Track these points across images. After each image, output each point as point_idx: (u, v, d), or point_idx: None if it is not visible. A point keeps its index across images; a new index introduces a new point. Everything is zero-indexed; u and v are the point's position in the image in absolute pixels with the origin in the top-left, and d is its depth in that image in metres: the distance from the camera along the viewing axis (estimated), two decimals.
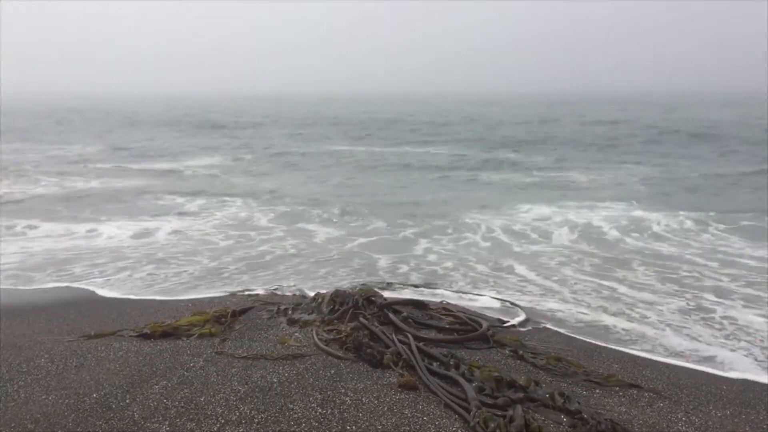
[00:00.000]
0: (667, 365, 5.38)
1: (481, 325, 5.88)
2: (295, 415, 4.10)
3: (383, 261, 9.35)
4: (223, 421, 4.01)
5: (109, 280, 8.22)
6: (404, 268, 8.96)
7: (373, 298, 6.34)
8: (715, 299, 7.39)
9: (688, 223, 12.00)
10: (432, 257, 9.62)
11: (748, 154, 24.84)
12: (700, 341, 6.06)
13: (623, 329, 6.37)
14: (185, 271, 8.72)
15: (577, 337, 6.11)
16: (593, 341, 5.99)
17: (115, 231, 11.54)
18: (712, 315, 6.84)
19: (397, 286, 7.83)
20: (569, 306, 7.14)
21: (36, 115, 59.20)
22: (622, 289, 7.85)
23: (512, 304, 7.13)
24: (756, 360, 5.58)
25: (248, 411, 4.15)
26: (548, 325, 6.44)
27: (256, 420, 4.04)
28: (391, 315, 5.95)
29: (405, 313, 6.10)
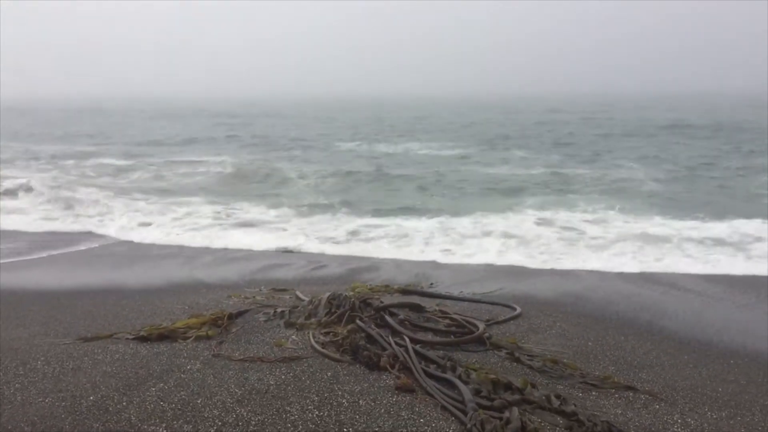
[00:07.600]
0: (663, 367, 5.40)
1: (477, 327, 5.89)
2: (292, 417, 4.11)
3: None
4: (219, 423, 4.01)
5: None
6: None
7: (370, 301, 6.35)
8: None
9: None
10: None
11: None
12: None
13: None
14: None
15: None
16: (590, 342, 5.99)
17: None
18: None
19: (393, 289, 7.83)
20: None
21: None
22: None
23: (505, 305, 7.14)
24: None
25: (245, 413, 4.15)
26: (546, 323, 6.46)
27: (252, 422, 4.04)
28: (387, 317, 5.95)
29: (401, 316, 6.10)
